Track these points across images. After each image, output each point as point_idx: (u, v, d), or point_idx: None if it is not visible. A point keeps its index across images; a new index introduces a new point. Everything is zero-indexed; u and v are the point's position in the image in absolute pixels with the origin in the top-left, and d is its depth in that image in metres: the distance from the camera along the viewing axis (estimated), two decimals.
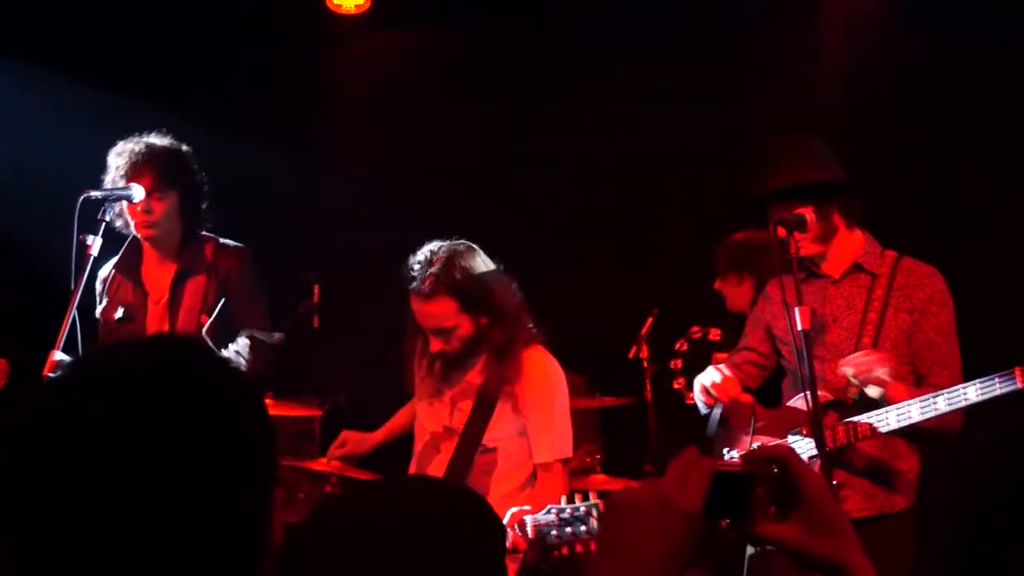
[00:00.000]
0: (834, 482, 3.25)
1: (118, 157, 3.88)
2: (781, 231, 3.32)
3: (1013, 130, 5.16)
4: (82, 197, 3.74)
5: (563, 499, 3.10)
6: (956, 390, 3.13)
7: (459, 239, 3.59)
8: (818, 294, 3.53)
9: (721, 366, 3.59)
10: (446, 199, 5.91)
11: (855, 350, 3.39)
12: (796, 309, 3.18)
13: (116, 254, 4.07)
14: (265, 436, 1.22)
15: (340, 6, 6.18)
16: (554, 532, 3.15)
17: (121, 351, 1.23)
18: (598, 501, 3.00)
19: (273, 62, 6.08)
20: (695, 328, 4.83)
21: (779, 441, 3.43)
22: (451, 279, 3.43)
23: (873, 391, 3.28)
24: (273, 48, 6.08)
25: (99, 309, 4.03)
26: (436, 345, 3.54)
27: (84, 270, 3.68)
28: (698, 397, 3.63)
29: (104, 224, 3.74)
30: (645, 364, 5.14)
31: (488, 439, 3.58)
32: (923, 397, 3.19)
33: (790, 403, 3.52)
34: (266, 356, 3.81)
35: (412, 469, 3.77)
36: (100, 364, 1.20)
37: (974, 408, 3.16)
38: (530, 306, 3.70)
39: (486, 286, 3.48)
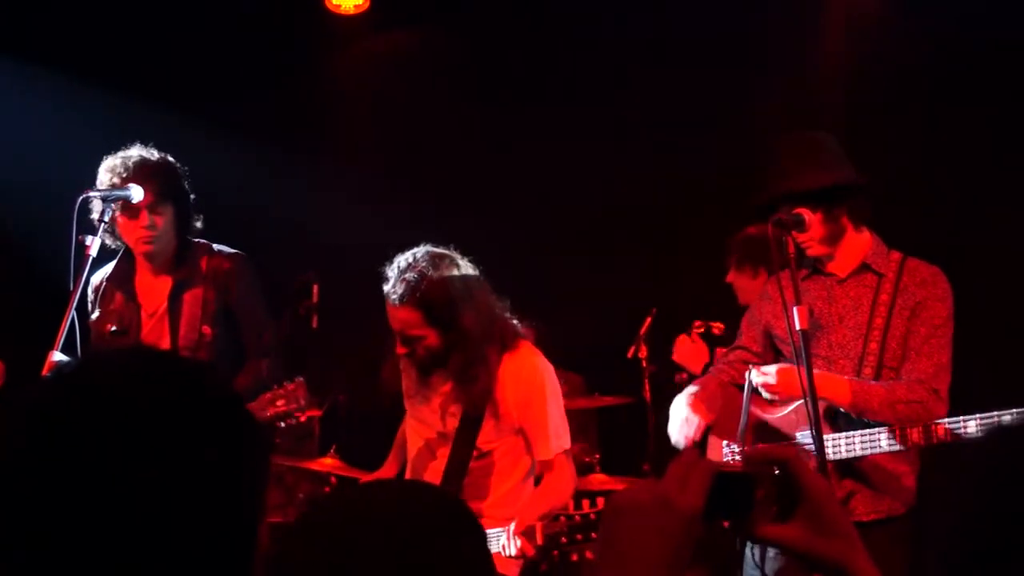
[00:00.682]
0: (844, 494, 3.26)
1: (109, 172, 3.83)
2: (777, 231, 3.31)
3: (1013, 130, 5.16)
4: (81, 197, 3.73)
5: (571, 505, 3.10)
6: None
7: (442, 247, 3.57)
8: (824, 293, 3.52)
9: (684, 404, 3.56)
10: (444, 197, 5.92)
11: (862, 351, 3.39)
12: (795, 308, 3.17)
13: (106, 262, 4.02)
14: (254, 437, 1.22)
15: (339, 6, 6.18)
16: (563, 539, 3.15)
17: (107, 357, 1.24)
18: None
19: (272, 62, 6.08)
20: (698, 323, 4.82)
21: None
22: (422, 291, 3.43)
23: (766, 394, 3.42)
24: (272, 48, 6.08)
25: (92, 319, 4.00)
26: (400, 349, 3.58)
27: (83, 270, 3.66)
28: (678, 435, 3.57)
29: (103, 224, 3.72)
30: (644, 364, 5.15)
31: (482, 443, 3.58)
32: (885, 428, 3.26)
33: (790, 409, 3.51)
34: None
35: (408, 474, 3.76)
36: (88, 369, 1.20)
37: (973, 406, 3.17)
38: (527, 305, 3.70)
39: (455, 306, 3.47)
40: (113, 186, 3.78)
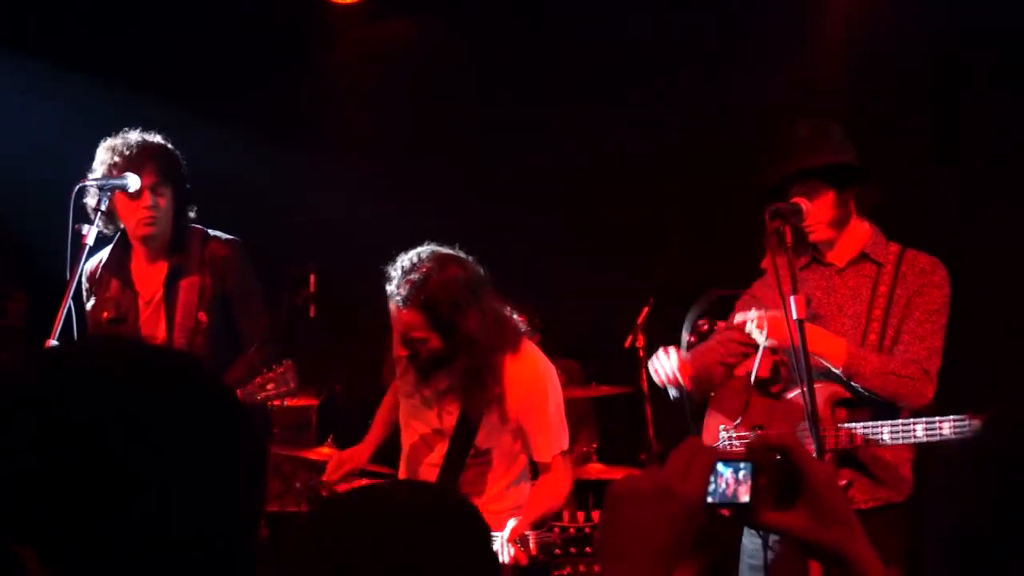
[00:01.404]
0: (843, 482, 3.26)
1: (110, 151, 3.81)
2: (775, 221, 3.31)
3: (1014, 129, 5.16)
4: (77, 186, 3.72)
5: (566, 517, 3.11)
6: (933, 422, 3.18)
7: (447, 247, 3.49)
8: (822, 283, 3.52)
9: (671, 349, 3.56)
10: (443, 188, 5.91)
11: (861, 340, 3.39)
12: (792, 298, 3.16)
13: (100, 248, 4.00)
14: (251, 430, 1.22)
15: None
16: (557, 551, 3.14)
17: (101, 345, 1.24)
18: None
19: (269, 53, 6.07)
20: (702, 321, 4.81)
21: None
22: (427, 294, 3.34)
23: (759, 337, 3.34)
24: (269, 39, 6.07)
25: (88, 307, 3.98)
26: (399, 350, 3.50)
27: (80, 260, 3.65)
28: (655, 376, 3.60)
29: (99, 213, 3.71)
30: (641, 353, 5.14)
31: (480, 442, 3.56)
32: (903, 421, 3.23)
33: (791, 396, 3.51)
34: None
35: (402, 467, 3.74)
36: (86, 356, 1.20)
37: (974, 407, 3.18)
38: (527, 296, 3.69)
39: (459, 310, 3.37)
40: (113, 165, 3.76)
